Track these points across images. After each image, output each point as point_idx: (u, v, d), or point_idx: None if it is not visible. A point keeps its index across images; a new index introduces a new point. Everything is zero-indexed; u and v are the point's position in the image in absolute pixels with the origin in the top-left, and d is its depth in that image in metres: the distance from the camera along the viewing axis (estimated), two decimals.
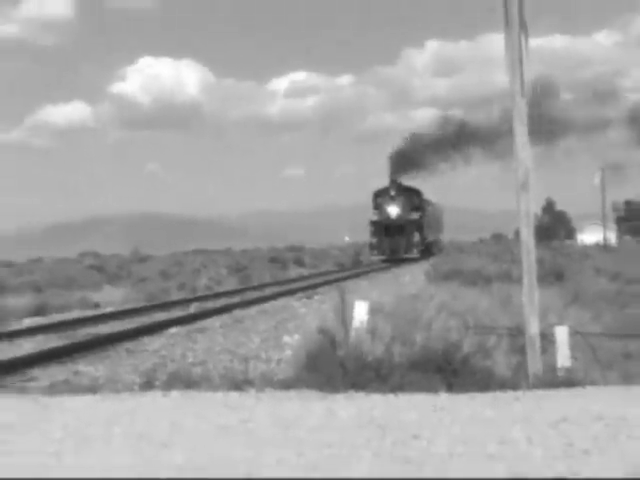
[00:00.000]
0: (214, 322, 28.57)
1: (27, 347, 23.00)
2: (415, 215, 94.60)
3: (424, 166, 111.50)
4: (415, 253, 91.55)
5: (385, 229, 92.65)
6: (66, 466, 9.30)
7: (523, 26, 16.20)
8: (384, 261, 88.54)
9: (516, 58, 16.31)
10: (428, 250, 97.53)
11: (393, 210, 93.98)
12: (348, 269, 74.76)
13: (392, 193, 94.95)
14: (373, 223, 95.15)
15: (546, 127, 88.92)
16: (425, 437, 10.27)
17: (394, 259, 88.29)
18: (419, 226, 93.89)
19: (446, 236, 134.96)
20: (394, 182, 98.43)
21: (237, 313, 31.48)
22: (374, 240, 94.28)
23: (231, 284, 52.19)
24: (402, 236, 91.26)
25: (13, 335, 26.35)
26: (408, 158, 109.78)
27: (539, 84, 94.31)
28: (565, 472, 8.47)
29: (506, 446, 9.68)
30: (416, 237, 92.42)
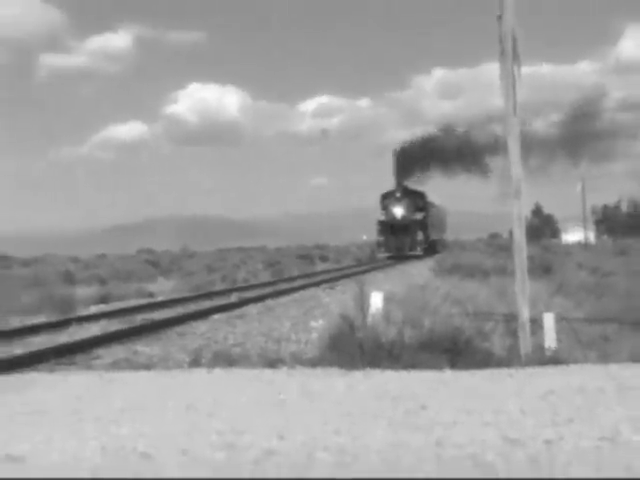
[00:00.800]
0: (251, 309, 28.61)
1: (93, 330, 23.10)
2: (419, 215, 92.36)
3: (428, 170, 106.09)
4: (419, 251, 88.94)
5: (391, 228, 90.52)
6: (123, 432, 9.36)
7: (516, 57, 16.26)
8: (389, 258, 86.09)
9: (510, 84, 16.36)
10: (432, 248, 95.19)
11: (398, 211, 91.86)
12: (365, 264, 74.63)
13: (398, 195, 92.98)
14: (380, 223, 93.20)
15: (537, 143, 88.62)
16: (432, 408, 10.31)
17: (399, 256, 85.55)
18: (423, 226, 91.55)
19: (449, 235, 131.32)
20: (400, 185, 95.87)
21: (270, 302, 31.52)
22: (381, 238, 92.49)
23: (265, 277, 52.22)
24: (407, 235, 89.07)
25: (82, 320, 26.48)
26: (413, 162, 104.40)
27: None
28: (552, 437, 8.50)
29: (501, 415, 9.71)
30: (420, 236, 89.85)
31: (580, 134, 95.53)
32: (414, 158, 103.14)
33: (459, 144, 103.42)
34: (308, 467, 7.66)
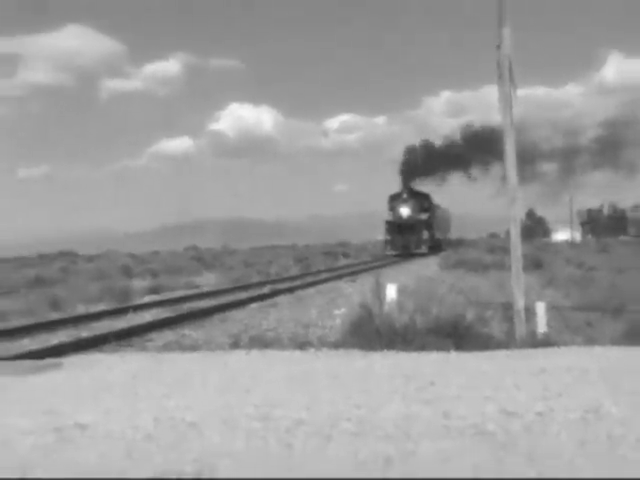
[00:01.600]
0: (282, 299, 28.67)
1: (147, 317, 23.19)
2: (424, 216, 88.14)
3: (433, 173, 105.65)
4: (424, 249, 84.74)
5: (398, 228, 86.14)
6: (173, 405, 9.38)
7: (512, 81, 16.24)
8: (396, 256, 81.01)
9: (507, 104, 16.34)
10: (437, 246, 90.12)
11: (405, 211, 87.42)
12: (380, 259, 74.04)
13: (404, 196, 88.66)
14: (388, 223, 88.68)
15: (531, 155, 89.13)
16: (439, 384, 10.29)
17: (405, 254, 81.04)
18: (428, 225, 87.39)
19: (453, 235, 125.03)
20: (406, 187, 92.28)
21: (299, 293, 31.57)
22: (388, 237, 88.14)
23: (295, 271, 52.24)
24: (413, 234, 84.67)
25: (137, 308, 26.62)
26: (419, 164, 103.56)
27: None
28: (544, 409, 8.48)
29: (499, 391, 9.69)
30: (425, 235, 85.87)
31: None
32: (419, 163, 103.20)
33: (458, 151, 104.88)
34: (332, 435, 7.66)
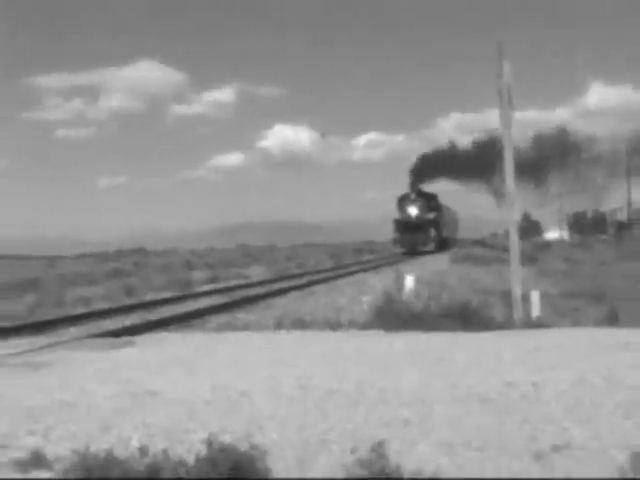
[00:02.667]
0: (318, 288, 28.62)
1: (205, 302, 23.22)
2: (431, 215, 78.79)
3: (440, 175, 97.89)
4: (431, 247, 76.38)
5: (406, 226, 76.91)
6: (227, 376, 9.40)
7: (510, 105, 16.19)
8: (404, 254, 73.34)
9: (506, 124, 16.30)
10: (445, 244, 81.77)
11: (413, 210, 78.24)
12: (399, 255, 72.84)
13: (412, 197, 79.76)
14: (396, 221, 79.34)
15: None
16: (449, 360, 10.26)
17: (413, 252, 73.09)
18: (435, 224, 78.12)
19: (461, 234, 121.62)
20: (414, 188, 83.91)
21: (332, 283, 31.49)
22: (397, 235, 79.04)
23: (328, 265, 52.22)
24: (420, 232, 75.80)
25: (197, 295, 26.70)
26: (427, 168, 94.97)
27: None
28: (538, 380, 8.44)
29: (500, 365, 9.66)
30: (432, 233, 76.85)
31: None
32: (427, 165, 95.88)
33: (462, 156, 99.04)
34: (359, 400, 7.66)
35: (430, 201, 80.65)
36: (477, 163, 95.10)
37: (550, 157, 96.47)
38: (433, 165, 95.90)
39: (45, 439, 6.53)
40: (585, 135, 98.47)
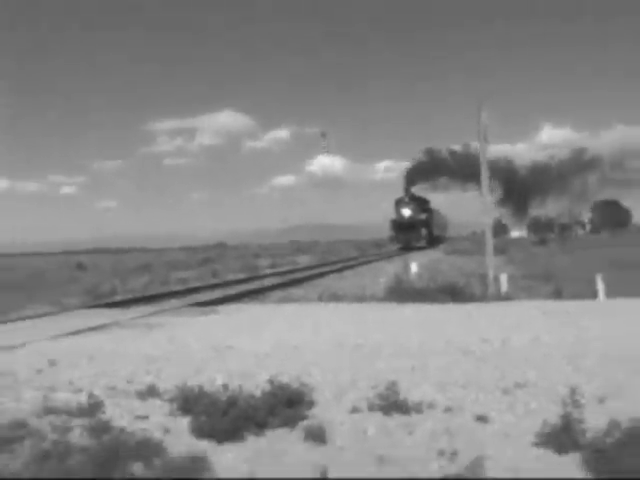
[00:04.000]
0: (348, 272, 28.57)
1: (266, 283, 23.25)
2: (423, 216, 69.71)
3: (431, 179, 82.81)
4: (423, 243, 67.36)
5: (400, 225, 67.98)
6: (283, 336, 9.43)
7: (486, 139, 16.11)
8: (400, 249, 63.89)
9: (483, 153, 16.22)
10: (436, 241, 73.32)
11: (406, 212, 68.86)
12: (407, 249, 71.64)
13: (406, 200, 70.16)
14: (392, 221, 70.06)
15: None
16: (443, 323, 10.23)
17: (408, 247, 63.96)
18: (426, 224, 69.46)
19: (450, 233, 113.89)
20: (407, 192, 72.98)
21: (358, 268, 31.40)
22: (393, 234, 69.72)
23: (355, 255, 52.16)
24: (413, 231, 66.99)
25: (262, 277, 26.74)
26: (419, 173, 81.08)
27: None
28: (506, 338, 8.40)
29: (478, 326, 9.61)
30: (423, 232, 68.13)
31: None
32: (414, 173, 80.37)
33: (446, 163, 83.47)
34: (378, 353, 7.65)
35: (422, 204, 72.18)
36: (458, 170, 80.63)
37: (543, 182, 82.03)
38: (422, 170, 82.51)
39: (157, 377, 6.60)
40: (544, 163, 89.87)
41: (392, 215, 70.16)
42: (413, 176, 79.05)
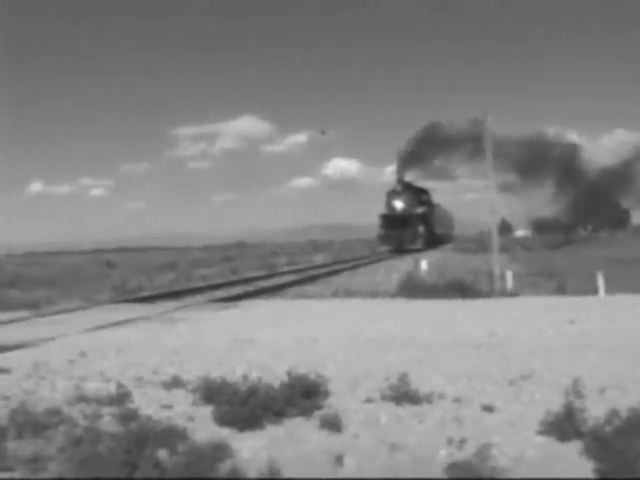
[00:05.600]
0: (362, 269, 28.55)
1: (284, 280, 23.25)
2: (420, 209, 51.80)
3: (427, 163, 56.76)
4: (420, 244, 49.43)
5: (392, 221, 50.57)
6: (301, 328, 9.45)
7: (491, 147, 16.06)
8: (391, 252, 47.58)
9: (489, 160, 16.16)
10: (438, 241, 55.96)
11: (398, 204, 51.40)
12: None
13: (398, 189, 52.18)
14: (382, 217, 52.03)
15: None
16: (452, 317, 10.21)
17: (400, 250, 46.90)
18: (425, 220, 51.44)
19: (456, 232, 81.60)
20: (400, 180, 53.52)
21: (370, 266, 31.33)
22: (382, 232, 51.83)
23: (367, 253, 51.94)
24: (407, 228, 49.51)
25: (280, 274, 26.72)
26: (414, 156, 55.70)
27: None
28: (511, 331, 8.38)
29: (485, 321, 9.58)
30: (420, 229, 50.26)
31: None
32: (411, 154, 54.60)
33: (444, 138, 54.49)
34: (390, 346, 7.65)
35: (419, 195, 53.37)
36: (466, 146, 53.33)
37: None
38: (420, 153, 56.13)
39: (181, 369, 6.63)
40: None
41: (383, 210, 52.50)
42: (408, 160, 55.30)
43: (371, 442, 4.62)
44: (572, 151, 56.40)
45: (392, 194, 51.98)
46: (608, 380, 5.68)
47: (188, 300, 15.87)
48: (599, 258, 26.41)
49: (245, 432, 4.81)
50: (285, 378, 5.50)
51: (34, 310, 13.77)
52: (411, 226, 49.37)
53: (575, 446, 4.40)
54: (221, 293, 18.09)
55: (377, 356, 7.05)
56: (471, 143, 45.06)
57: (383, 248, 49.79)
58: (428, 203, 54.42)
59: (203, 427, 4.90)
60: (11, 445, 4.55)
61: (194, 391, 5.67)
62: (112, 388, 5.75)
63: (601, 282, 14.44)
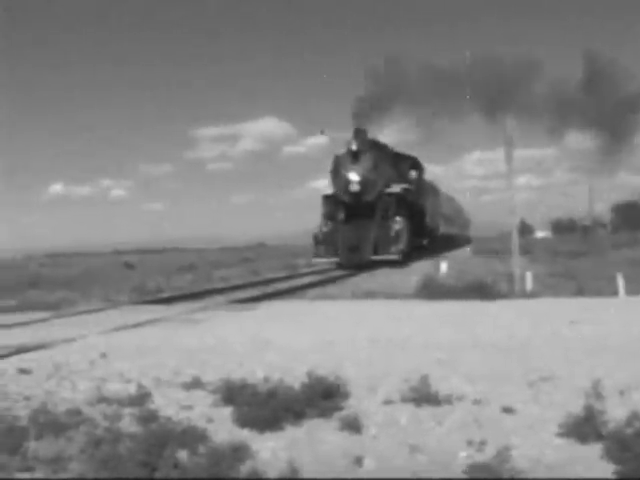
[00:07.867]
0: (379, 271, 28.40)
1: (305, 280, 23.20)
2: (397, 188, 28.01)
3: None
4: (394, 253, 27.49)
5: (343, 209, 28.01)
6: (320, 331, 9.44)
7: (512, 144, 15.91)
8: (340, 267, 27.81)
9: (509, 157, 16.02)
10: (446, 244, 42.67)
11: (354, 176, 27.19)
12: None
13: (354, 148, 27.22)
14: (325, 199, 28.88)
15: None
16: (471, 319, 10.15)
17: (351, 266, 26.85)
18: (406, 205, 28.79)
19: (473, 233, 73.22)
20: (359, 134, 27.81)
21: (386, 269, 30.99)
22: (323, 229, 28.59)
23: None
24: (367, 226, 27.17)
25: (300, 275, 26.54)
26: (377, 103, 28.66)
27: None
28: (531, 333, 8.32)
29: (505, 322, 9.52)
30: (396, 225, 27.20)
31: None
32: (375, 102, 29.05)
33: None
34: (410, 347, 7.63)
35: (399, 163, 30.95)
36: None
37: None
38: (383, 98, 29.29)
39: (201, 370, 6.65)
40: None
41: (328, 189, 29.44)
42: (368, 108, 29.57)
43: (390, 443, 4.62)
44: None
45: (343, 159, 28.39)
46: (628, 382, 5.63)
47: (208, 301, 15.92)
48: (620, 260, 26.15)
49: (265, 433, 4.83)
50: (305, 379, 5.51)
51: (54, 311, 13.88)
52: (378, 221, 27.79)
53: (595, 448, 4.38)
54: (241, 294, 18.12)
55: (396, 358, 7.04)
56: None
57: (319, 260, 29.08)
58: (415, 181, 32.10)
59: (223, 428, 4.93)
60: (32, 445, 4.61)
61: (214, 392, 5.69)
62: (132, 389, 5.80)
63: (621, 283, 14.32)
